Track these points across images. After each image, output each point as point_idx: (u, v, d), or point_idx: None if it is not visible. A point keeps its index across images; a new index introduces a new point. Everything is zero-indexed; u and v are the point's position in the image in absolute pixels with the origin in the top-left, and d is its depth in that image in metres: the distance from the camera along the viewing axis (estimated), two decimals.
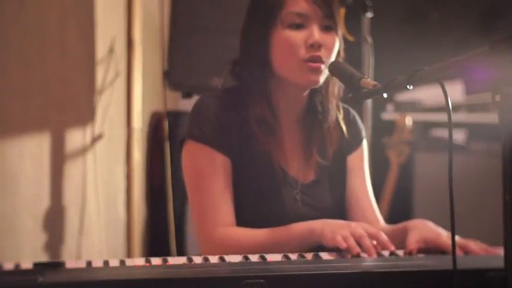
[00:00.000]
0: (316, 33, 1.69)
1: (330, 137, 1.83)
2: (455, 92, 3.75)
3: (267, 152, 1.76)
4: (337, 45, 1.74)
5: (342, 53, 1.78)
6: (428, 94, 3.83)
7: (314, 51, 1.69)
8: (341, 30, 1.76)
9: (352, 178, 1.89)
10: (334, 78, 1.75)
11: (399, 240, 1.64)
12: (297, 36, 1.69)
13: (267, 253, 1.51)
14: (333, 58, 1.72)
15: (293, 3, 1.70)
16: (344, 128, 1.87)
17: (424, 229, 1.63)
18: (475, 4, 4.14)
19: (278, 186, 1.76)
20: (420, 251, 1.59)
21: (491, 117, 3.56)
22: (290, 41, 1.69)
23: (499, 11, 4.11)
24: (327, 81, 1.77)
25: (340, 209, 1.85)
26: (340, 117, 1.87)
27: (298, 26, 1.70)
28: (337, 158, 1.86)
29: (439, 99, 3.68)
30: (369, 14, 2.72)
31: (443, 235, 1.60)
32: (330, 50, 1.71)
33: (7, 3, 2.39)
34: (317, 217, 1.75)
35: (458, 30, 4.11)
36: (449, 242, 1.51)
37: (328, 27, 1.72)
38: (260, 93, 1.76)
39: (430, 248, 1.59)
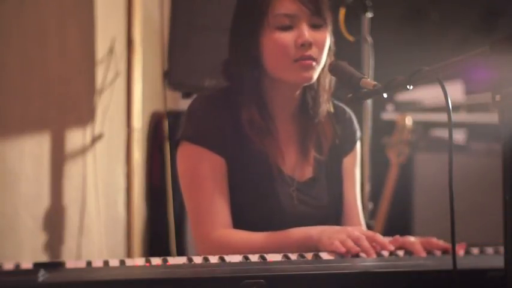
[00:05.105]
0: (306, 33, 1.68)
1: (324, 132, 1.83)
2: (455, 92, 3.76)
3: (262, 152, 1.75)
4: (328, 41, 1.73)
5: (333, 47, 1.77)
6: (428, 94, 3.83)
7: (305, 50, 1.68)
8: (331, 25, 1.74)
9: (344, 181, 1.88)
10: (324, 72, 1.75)
11: None
12: (287, 37, 1.68)
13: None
14: (325, 54, 1.72)
15: (279, 5, 1.68)
16: (336, 125, 1.86)
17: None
18: (475, 4, 4.14)
19: (274, 185, 1.75)
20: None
21: (491, 117, 3.57)
22: (280, 42, 1.68)
23: (499, 10, 4.11)
24: (318, 76, 1.75)
25: (336, 207, 1.85)
26: (333, 114, 1.86)
27: (287, 28, 1.69)
28: (333, 155, 1.86)
29: (439, 99, 3.68)
30: (369, 14, 2.72)
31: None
32: (321, 48, 1.70)
33: (7, 2, 2.39)
34: (314, 215, 1.75)
35: (458, 30, 4.12)
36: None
37: (318, 25, 1.71)
38: (252, 93, 1.75)
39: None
